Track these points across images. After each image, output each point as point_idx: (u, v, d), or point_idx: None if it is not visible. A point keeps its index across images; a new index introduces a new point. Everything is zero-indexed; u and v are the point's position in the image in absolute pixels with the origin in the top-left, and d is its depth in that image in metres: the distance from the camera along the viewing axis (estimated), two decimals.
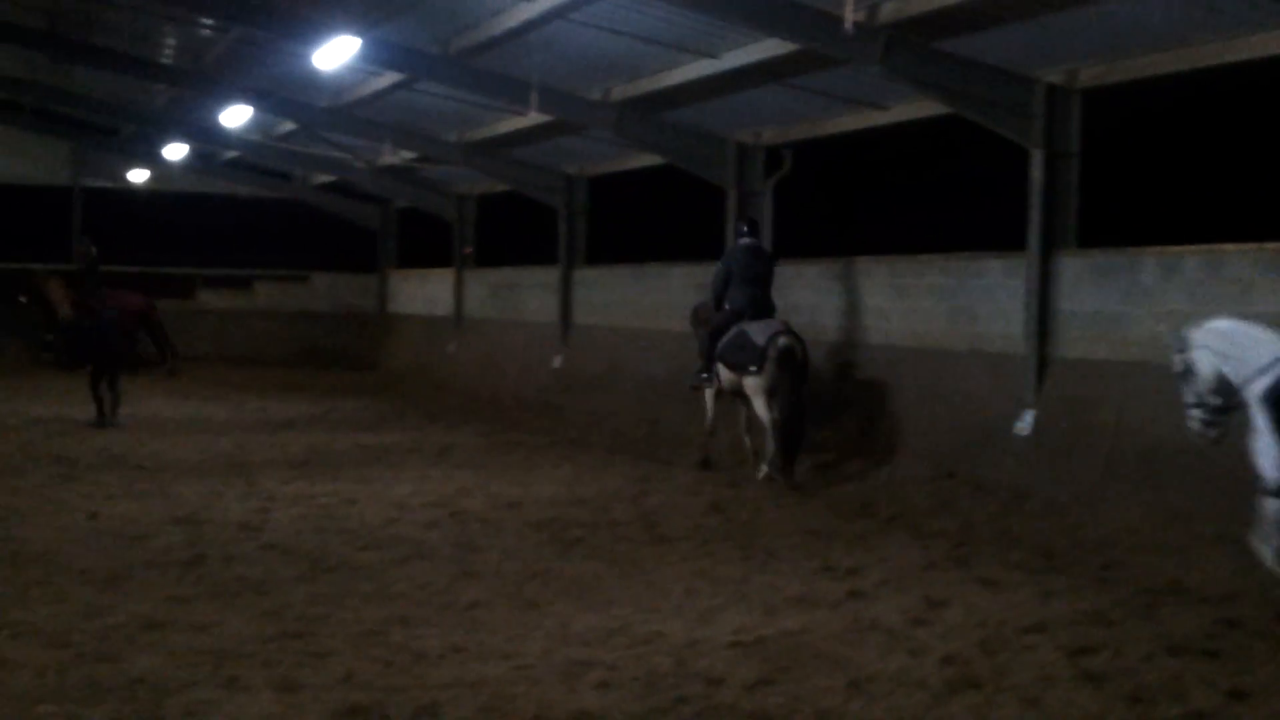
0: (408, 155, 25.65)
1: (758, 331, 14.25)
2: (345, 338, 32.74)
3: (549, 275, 24.10)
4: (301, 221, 33.31)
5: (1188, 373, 8.81)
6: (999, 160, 14.71)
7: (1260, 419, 8.26)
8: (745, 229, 15.51)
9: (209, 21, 19.66)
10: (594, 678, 7.08)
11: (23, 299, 27.59)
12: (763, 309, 14.87)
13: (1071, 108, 13.57)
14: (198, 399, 23.08)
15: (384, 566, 9.87)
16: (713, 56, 15.64)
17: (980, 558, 10.39)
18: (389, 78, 19.91)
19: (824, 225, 19.94)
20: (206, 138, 28.43)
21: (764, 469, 14.24)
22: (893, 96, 15.46)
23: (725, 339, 14.67)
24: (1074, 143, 13.59)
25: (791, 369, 13.96)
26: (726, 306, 15.04)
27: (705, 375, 15.18)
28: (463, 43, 17.17)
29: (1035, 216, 13.54)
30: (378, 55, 17.77)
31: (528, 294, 25.43)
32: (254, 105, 22.80)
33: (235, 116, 23.32)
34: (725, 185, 18.58)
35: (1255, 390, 8.30)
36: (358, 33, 16.20)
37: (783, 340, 14.03)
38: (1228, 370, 8.55)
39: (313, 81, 20.90)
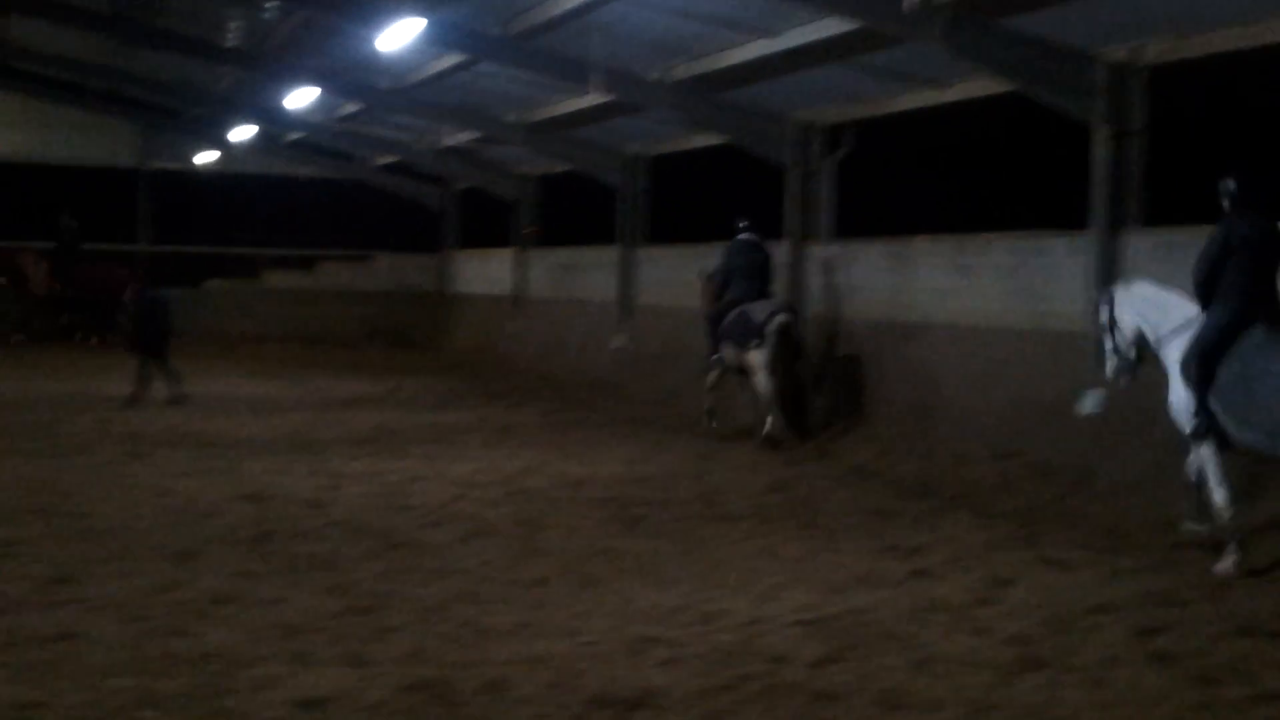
0: (469, 136, 25.76)
1: (758, 310, 15.47)
2: (407, 318, 32.95)
3: (609, 255, 24.14)
4: (364, 202, 33.60)
5: (1110, 325, 10.16)
6: (1062, 138, 14.56)
7: (1171, 371, 9.41)
8: (744, 224, 16.63)
9: (273, 4, 19.83)
10: (658, 655, 7.12)
11: (2, 281, 27.94)
12: (761, 298, 16.04)
13: (1136, 85, 13.39)
14: (264, 377, 23.35)
15: (449, 544, 9.98)
16: (772, 35, 15.58)
17: (1045, 538, 10.33)
18: (451, 59, 20.01)
19: (884, 205, 19.82)
20: (271, 119, 28.72)
21: (764, 434, 15.13)
22: (954, 74, 15.33)
23: (727, 320, 15.85)
24: (1139, 120, 13.40)
25: (787, 344, 15.20)
26: (728, 297, 16.18)
27: (716, 357, 16.26)
28: (523, 23, 17.22)
29: (1099, 194, 13.39)
30: (440, 36, 17.86)
31: (588, 274, 25.49)
32: (318, 87, 22.98)
33: (299, 98, 23.52)
34: (785, 165, 18.52)
35: (1169, 347, 9.55)
36: (420, 14, 16.28)
37: (781, 317, 15.28)
38: (1145, 328, 9.87)
39: (375, 63, 21.04)
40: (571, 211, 27.72)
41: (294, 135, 31.32)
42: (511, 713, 6.23)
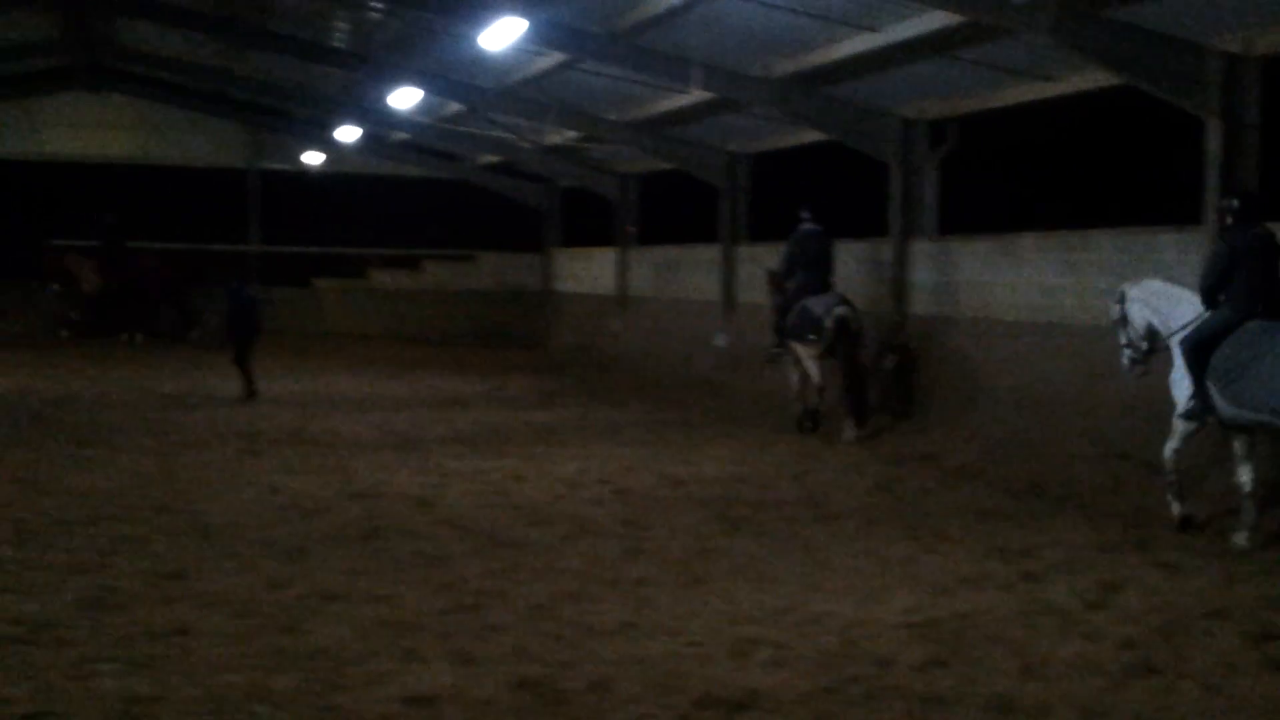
0: (572, 135, 25.88)
1: (817, 304, 16.11)
2: (511, 316, 33.19)
3: (711, 253, 24.12)
4: (468, 201, 33.89)
5: (1123, 320, 11.45)
6: (1173, 132, 14.27)
7: (1178, 361, 10.64)
8: (806, 214, 17.14)
9: (380, 5, 20.07)
10: (763, 656, 7.11)
11: (55, 287, 28.46)
12: (823, 286, 16.70)
13: (1249, 76, 13.09)
14: (371, 376, 23.66)
15: (553, 543, 10.04)
16: (876, 30, 15.45)
17: (1157, 540, 10.16)
18: (554, 58, 20.11)
19: (990, 201, 19.58)
20: (377, 120, 29.08)
21: (811, 414, 16.40)
22: (1062, 67, 15.08)
23: (790, 317, 16.50)
24: (1253, 113, 13.10)
25: (847, 336, 15.75)
26: (791, 285, 16.89)
27: (778, 350, 17.10)
28: (626, 21, 17.26)
29: (1211, 189, 13.12)
30: (543, 35, 17.95)
31: (690, 272, 25.48)
32: (423, 87, 23.22)
33: (404, 99, 23.78)
34: (889, 161, 18.36)
35: (1176, 340, 10.74)
36: (524, 14, 16.38)
37: (840, 310, 15.87)
38: (1156, 322, 11.12)
39: (480, 63, 21.22)
40: (673, 210, 27.74)
41: (399, 135, 31.68)
42: (617, 712, 6.26)
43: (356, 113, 28.97)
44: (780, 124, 20.58)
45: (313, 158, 33.27)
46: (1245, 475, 10.22)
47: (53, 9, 23.77)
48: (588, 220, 31.09)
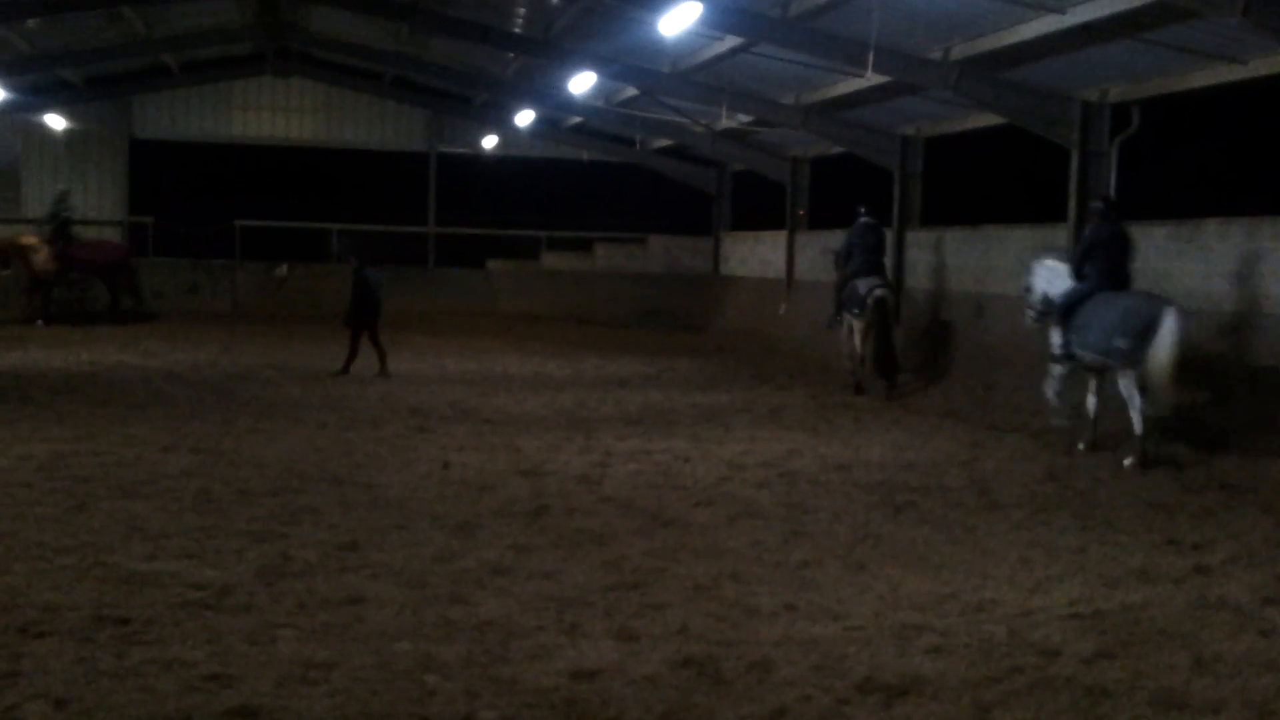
0: (744, 118, 25.86)
1: (863, 285, 19.02)
2: (679, 299, 33.33)
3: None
4: (640, 185, 34.15)
5: (1029, 289, 15.11)
6: None
7: (1056, 319, 14.19)
8: (863, 210, 20.14)
9: None
10: (926, 643, 7.06)
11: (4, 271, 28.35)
12: (872, 269, 19.47)
13: None
14: (540, 357, 23.99)
15: (716, 523, 10.09)
16: (1060, 12, 15.13)
17: None
18: (728, 42, 20.13)
19: (1173, 185, 19.04)
20: (552, 104, 29.47)
21: (856, 384, 19.13)
22: (1253, 50, 14.60)
23: (845, 292, 19.60)
24: None
25: (883, 312, 18.78)
26: (849, 269, 19.74)
27: (837, 318, 20.14)
28: (803, 5, 17.19)
29: None
30: (719, 20, 17.99)
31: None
32: (598, 72, 23.43)
33: (580, 83, 24.03)
34: (1069, 145, 17.95)
35: (1058, 304, 14.22)
36: None
37: (879, 291, 18.84)
38: (1047, 290, 14.61)
39: (654, 47, 21.35)
40: (843, 194, 27.52)
41: (575, 119, 32.05)
42: (777, 694, 6.28)
43: (533, 97, 29.39)
44: (955, 107, 20.28)
45: (489, 141, 33.84)
46: (1092, 404, 13.90)
47: None
48: (757, 204, 31.06)
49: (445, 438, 14.08)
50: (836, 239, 21.54)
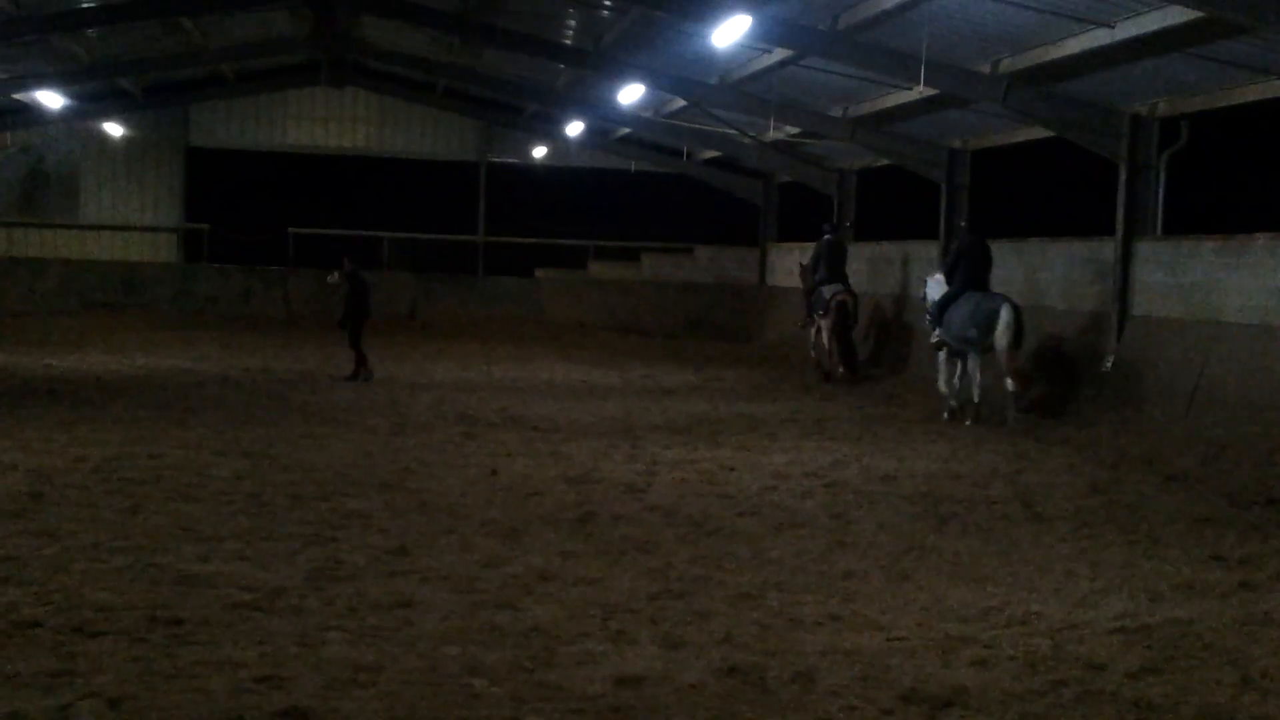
0: (792, 130, 25.89)
1: (828, 291, 22.49)
2: (725, 309, 33.37)
3: (928, 249, 23.85)
4: (687, 195, 34.26)
5: (925, 298, 18.64)
6: None
7: (934, 317, 17.82)
8: (828, 227, 23.92)
9: (609, 3, 20.42)
10: (970, 654, 7.08)
11: None
12: (836, 278, 22.91)
13: None
14: (587, 365, 24.10)
15: (761, 533, 10.13)
16: (1109, 26, 15.10)
17: None
18: (777, 54, 20.19)
19: (1222, 200, 18.92)
20: (602, 115, 29.61)
21: (822, 375, 22.57)
22: None
23: (814, 297, 23.03)
24: None
25: (844, 314, 22.22)
26: (816, 279, 23.17)
27: (809, 320, 23.56)
28: (852, 18, 17.22)
29: None
30: (769, 32, 18.05)
31: (906, 268, 25.22)
32: (648, 83, 23.53)
33: (630, 94, 24.14)
34: (1117, 159, 17.89)
35: (935, 304, 17.84)
36: (750, 11, 16.48)
37: (839, 297, 22.24)
38: (934, 297, 17.96)
39: (703, 59, 21.44)
40: (890, 206, 27.54)
41: (623, 130, 32.17)
42: (822, 703, 6.32)
43: (582, 108, 29.53)
44: (1003, 120, 20.24)
45: (539, 151, 34.02)
46: (976, 381, 17.04)
47: (303, 7, 24.92)
48: (804, 215, 31.06)
49: (493, 444, 14.19)
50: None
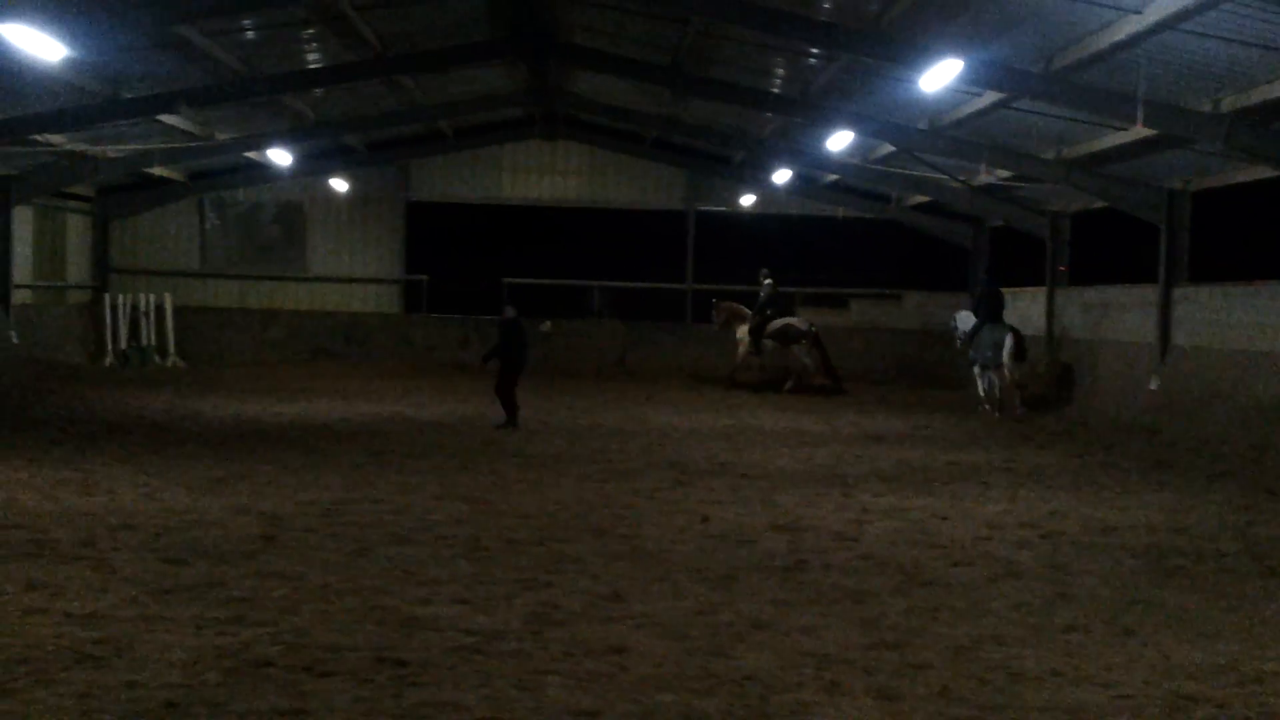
0: (1003, 174, 25.51)
1: (800, 322, 28.77)
2: (935, 355, 32.92)
3: (1146, 294, 23.19)
4: (895, 241, 34.06)
5: (955, 326, 27.12)
6: None
7: (966, 343, 26.16)
8: (766, 271, 29.32)
9: (818, 51, 20.47)
10: (1201, 714, 6.87)
11: None
12: (785, 313, 29.27)
13: None
14: (795, 411, 24.05)
15: (977, 583, 9.99)
16: None
17: None
18: (988, 97, 19.93)
19: None
20: (809, 162, 29.63)
21: (789, 386, 28.35)
22: None
23: (774, 328, 28.63)
24: None
25: (787, 339, 28.39)
26: (761, 317, 28.86)
27: (755, 351, 29.05)
28: (1065, 59, 16.92)
29: None
30: (979, 76, 17.83)
31: (1123, 313, 24.58)
32: (855, 129, 23.49)
33: (838, 141, 24.13)
34: None
35: (967, 334, 26.07)
36: (961, 54, 16.34)
37: (812, 330, 28.44)
38: (964, 328, 26.28)
39: (912, 104, 21.31)
40: (1106, 249, 26.89)
41: (831, 177, 32.12)
42: None
43: (790, 155, 29.61)
44: (1224, 160, 19.58)
45: (747, 199, 34.20)
46: (996, 386, 24.61)
47: (518, 63, 25.62)
48: (1016, 259, 30.50)
49: (703, 491, 14.29)
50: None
